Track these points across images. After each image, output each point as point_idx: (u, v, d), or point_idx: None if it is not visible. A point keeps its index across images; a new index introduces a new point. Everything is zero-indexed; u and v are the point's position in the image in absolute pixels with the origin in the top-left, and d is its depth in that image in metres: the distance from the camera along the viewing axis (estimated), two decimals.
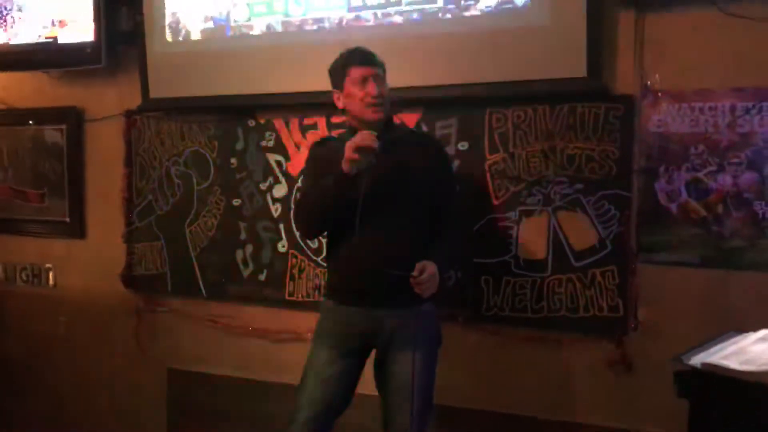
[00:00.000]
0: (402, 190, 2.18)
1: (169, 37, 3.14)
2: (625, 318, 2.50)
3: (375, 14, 2.75)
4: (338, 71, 2.25)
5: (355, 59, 2.21)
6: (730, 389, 1.65)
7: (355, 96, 2.19)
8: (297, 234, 2.97)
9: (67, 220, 3.53)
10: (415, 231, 2.20)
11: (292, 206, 3.00)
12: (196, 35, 3.09)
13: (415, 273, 2.03)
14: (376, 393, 2.31)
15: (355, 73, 2.19)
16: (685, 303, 2.44)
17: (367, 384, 2.32)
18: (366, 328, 2.21)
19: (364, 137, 2.06)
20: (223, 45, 3.03)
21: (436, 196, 2.24)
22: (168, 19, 3.13)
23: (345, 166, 2.07)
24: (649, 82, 2.46)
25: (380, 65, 2.22)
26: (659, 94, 2.44)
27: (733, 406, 1.67)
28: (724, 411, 1.69)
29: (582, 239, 2.55)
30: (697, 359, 1.73)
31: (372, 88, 2.17)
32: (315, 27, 2.85)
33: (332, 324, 2.27)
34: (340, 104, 2.27)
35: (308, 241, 2.98)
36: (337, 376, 2.22)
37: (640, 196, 2.48)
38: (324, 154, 2.26)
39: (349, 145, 2.06)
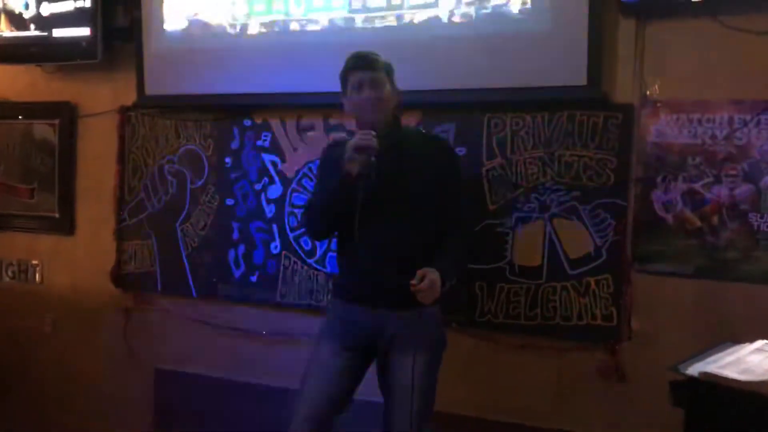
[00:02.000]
0: (405, 192, 2.19)
1: (166, 34, 3.12)
2: (619, 327, 2.50)
3: (375, 16, 2.74)
4: (342, 77, 2.27)
5: (353, 64, 2.23)
6: (727, 399, 1.64)
7: (354, 100, 2.22)
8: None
9: (57, 215, 3.50)
10: (418, 233, 2.19)
11: (287, 207, 2.98)
12: (193, 33, 3.07)
13: (413, 281, 2.02)
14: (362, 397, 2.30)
15: (353, 78, 2.22)
16: (679, 313, 2.45)
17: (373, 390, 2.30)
18: (370, 327, 2.21)
19: (363, 136, 2.08)
20: (222, 43, 3.01)
21: (442, 200, 2.23)
22: (165, 16, 3.11)
23: (347, 166, 2.10)
24: (648, 92, 2.46)
25: (379, 68, 2.22)
26: (658, 104, 2.45)
27: (730, 416, 1.66)
28: (721, 421, 1.69)
29: (577, 247, 2.55)
30: (695, 368, 1.72)
31: (367, 92, 2.18)
32: (314, 28, 2.84)
33: (338, 321, 2.28)
34: (346, 109, 2.29)
35: (315, 242, 2.95)
36: (341, 368, 2.23)
37: (636, 205, 2.49)
38: (333, 156, 2.26)
39: (349, 145, 2.10)
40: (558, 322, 2.57)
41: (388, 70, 2.25)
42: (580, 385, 2.57)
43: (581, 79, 2.45)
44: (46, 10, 3.27)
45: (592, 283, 2.53)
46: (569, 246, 2.56)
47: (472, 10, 2.59)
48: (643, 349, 2.48)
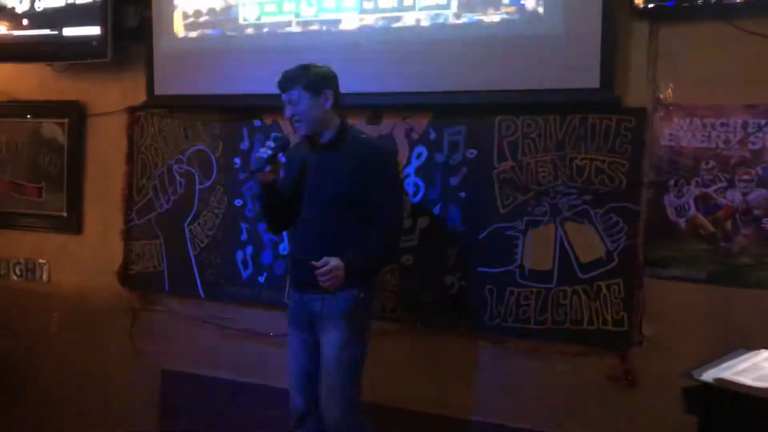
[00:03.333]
0: (328, 190, 2.39)
1: (175, 34, 3.11)
2: (630, 332, 2.48)
3: (386, 18, 2.73)
4: None
5: (278, 87, 2.43)
6: (741, 406, 1.62)
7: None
8: None
9: (65, 214, 3.49)
10: (338, 228, 2.38)
11: None
12: (203, 33, 3.06)
13: (317, 263, 2.28)
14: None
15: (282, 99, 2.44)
16: (691, 319, 2.43)
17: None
18: (305, 310, 2.46)
19: (262, 149, 2.39)
20: (231, 44, 3.01)
21: (368, 199, 2.38)
22: (175, 16, 3.10)
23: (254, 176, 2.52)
24: (661, 96, 2.45)
25: (294, 87, 2.38)
26: (671, 108, 2.44)
27: (745, 423, 1.64)
28: (735, 429, 1.67)
29: (589, 251, 2.53)
30: (709, 375, 1.70)
31: (287, 111, 2.41)
32: (325, 29, 2.83)
33: (291, 307, 2.57)
34: None
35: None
36: (304, 348, 2.48)
37: (648, 209, 2.47)
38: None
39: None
40: (568, 327, 2.55)
41: (309, 84, 2.38)
42: (590, 391, 2.55)
43: (594, 82, 2.44)
44: (42, 5, 3.29)
45: (603, 288, 2.51)
46: (580, 250, 2.54)
47: (483, 12, 2.57)
48: (654, 354, 2.46)
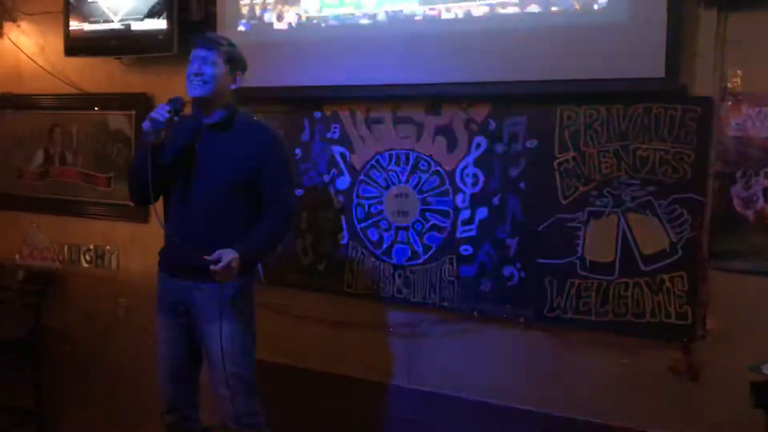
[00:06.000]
0: (215, 172, 2.38)
1: (238, 28, 3.18)
2: (694, 325, 2.44)
3: (446, 8, 2.73)
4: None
5: (193, 42, 2.48)
6: None
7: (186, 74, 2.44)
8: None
9: (132, 204, 3.59)
10: (230, 213, 2.39)
11: (355, 198, 3.02)
12: (265, 26, 3.12)
13: (212, 258, 2.24)
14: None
15: (191, 53, 2.45)
16: (758, 313, 2.37)
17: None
18: (180, 297, 2.46)
19: (157, 108, 2.35)
20: (293, 36, 3.05)
21: (257, 184, 2.42)
22: (238, 10, 3.17)
23: (142, 134, 2.39)
24: (729, 84, 2.39)
25: (215, 49, 2.42)
26: (739, 97, 2.38)
27: None
28: None
29: (652, 243, 2.50)
30: None
31: (194, 67, 2.40)
32: (387, 20, 2.85)
33: (161, 292, 2.55)
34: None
35: (365, 234, 3.01)
36: (173, 338, 2.51)
37: (714, 200, 2.42)
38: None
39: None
40: (630, 319, 2.52)
41: (230, 57, 2.45)
42: (651, 384, 2.53)
43: (659, 71, 2.39)
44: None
45: (667, 281, 2.47)
46: (643, 242, 2.51)
47: (548, 1, 2.55)
48: (718, 348, 2.42)
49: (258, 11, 3.13)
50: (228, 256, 2.27)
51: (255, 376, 2.52)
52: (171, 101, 2.41)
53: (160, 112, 2.33)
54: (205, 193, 2.40)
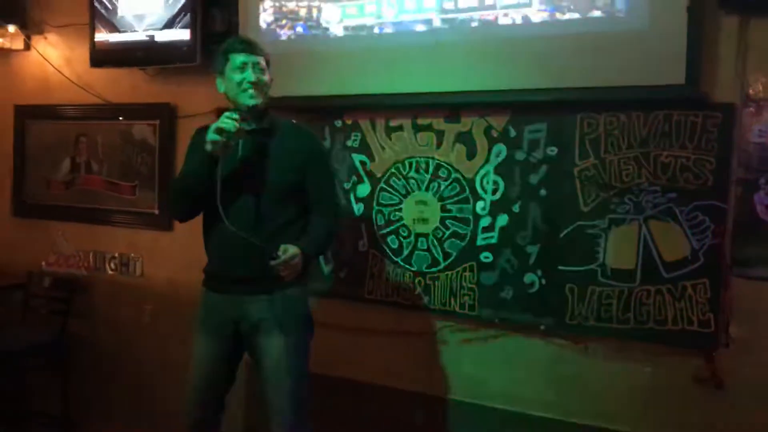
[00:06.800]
0: (267, 178, 2.30)
1: (260, 39, 3.20)
2: (717, 333, 2.43)
3: (467, 16, 2.74)
4: (220, 57, 2.38)
5: (236, 47, 2.35)
6: None
7: (233, 81, 2.32)
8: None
9: (156, 212, 3.66)
10: (278, 219, 2.30)
11: (375, 206, 3.03)
12: (286, 37, 3.15)
13: (276, 254, 2.13)
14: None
15: (236, 59, 2.32)
16: None
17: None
18: (232, 315, 2.34)
19: (224, 118, 2.19)
20: (314, 46, 3.08)
21: (306, 189, 2.36)
22: (261, 21, 3.21)
23: (207, 146, 2.21)
24: (751, 90, 2.38)
25: (261, 55, 2.35)
26: (762, 103, 2.36)
27: None
28: None
29: (673, 250, 2.49)
30: None
31: (249, 74, 2.30)
32: (406, 29, 2.87)
33: (205, 311, 2.43)
34: (221, 88, 2.40)
35: (385, 241, 3.02)
36: (215, 359, 2.40)
37: (736, 207, 2.41)
38: (201, 141, 2.31)
39: (212, 126, 2.21)
40: (651, 327, 2.51)
41: (268, 60, 2.38)
42: (674, 392, 2.51)
43: (680, 78, 2.38)
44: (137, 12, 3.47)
45: (689, 288, 2.46)
46: (665, 249, 2.50)
47: (567, 9, 2.56)
48: (742, 356, 2.40)
49: (279, 23, 3.16)
50: (293, 248, 2.17)
51: (307, 389, 2.41)
52: (233, 112, 2.24)
53: (227, 122, 2.17)
54: (257, 200, 2.29)
